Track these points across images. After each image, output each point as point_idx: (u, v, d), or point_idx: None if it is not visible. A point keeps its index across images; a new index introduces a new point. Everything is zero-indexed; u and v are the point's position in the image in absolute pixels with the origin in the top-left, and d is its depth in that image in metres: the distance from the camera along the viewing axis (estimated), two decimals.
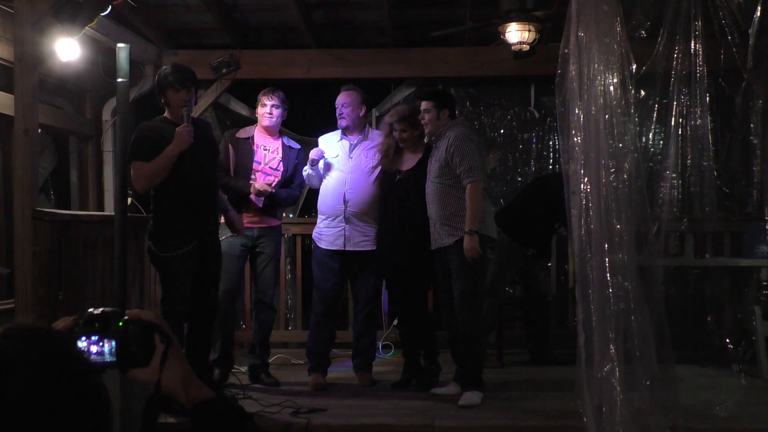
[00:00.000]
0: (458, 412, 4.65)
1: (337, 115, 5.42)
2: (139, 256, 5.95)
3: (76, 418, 1.03)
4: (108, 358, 1.34)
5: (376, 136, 5.45)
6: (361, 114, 5.43)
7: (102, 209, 7.09)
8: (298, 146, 5.56)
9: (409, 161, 5.24)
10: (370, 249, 5.30)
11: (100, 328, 1.35)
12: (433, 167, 4.98)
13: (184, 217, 4.60)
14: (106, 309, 1.38)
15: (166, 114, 4.72)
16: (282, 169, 5.40)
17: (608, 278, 3.77)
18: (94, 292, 5.35)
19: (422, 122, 5.08)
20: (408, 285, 5.25)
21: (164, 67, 4.87)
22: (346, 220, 5.29)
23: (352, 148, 5.40)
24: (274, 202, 5.36)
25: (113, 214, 5.18)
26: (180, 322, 4.60)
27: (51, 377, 1.03)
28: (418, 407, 4.75)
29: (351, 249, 5.30)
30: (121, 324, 1.35)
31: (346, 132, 5.44)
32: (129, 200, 5.49)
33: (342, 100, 5.42)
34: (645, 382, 3.79)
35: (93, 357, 1.33)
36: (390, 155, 5.24)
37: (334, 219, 5.33)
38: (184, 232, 4.60)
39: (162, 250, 4.63)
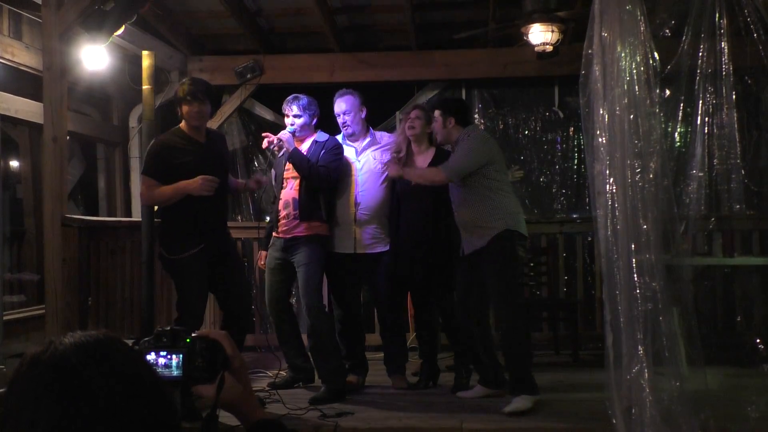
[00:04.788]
0: (489, 415, 4.62)
1: (339, 123, 5.32)
2: None
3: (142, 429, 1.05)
4: (175, 371, 1.40)
5: (384, 137, 5.41)
6: (363, 116, 5.34)
7: (129, 215, 7.16)
8: (325, 138, 5.27)
9: (420, 163, 5.22)
10: (380, 251, 5.27)
11: (169, 343, 1.41)
12: None
13: (191, 221, 4.59)
14: (175, 327, 1.45)
15: (182, 125, 4.69)
16: None
17: (635, 279, 3.75)
18: (122, 298, 5.41)
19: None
20: (426, 288, 5.23)
21: (183, 80, 4.88)
22: (357, 223, 5.25)
23: (358, 151, 5.34)
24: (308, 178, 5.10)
25: (140, 219, 5.25)
26: (194, 326, 4.53)
27: (121, 388, 1.05)
28: (446, 410, 4.74)
29: (361, 252, 5.26)
30: (188, 340, 1.42)
31: (351, 137, 5.35)
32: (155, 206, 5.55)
33: (342, 107, 5.29)
34: (674, 382, 3.76)
35: (160, 370, 1.39)
36: (402, 154, 5.21)
37: (344, 222, 5.28)
38: (192, 235, 4.59)
39: (171, 252, 4.64)
